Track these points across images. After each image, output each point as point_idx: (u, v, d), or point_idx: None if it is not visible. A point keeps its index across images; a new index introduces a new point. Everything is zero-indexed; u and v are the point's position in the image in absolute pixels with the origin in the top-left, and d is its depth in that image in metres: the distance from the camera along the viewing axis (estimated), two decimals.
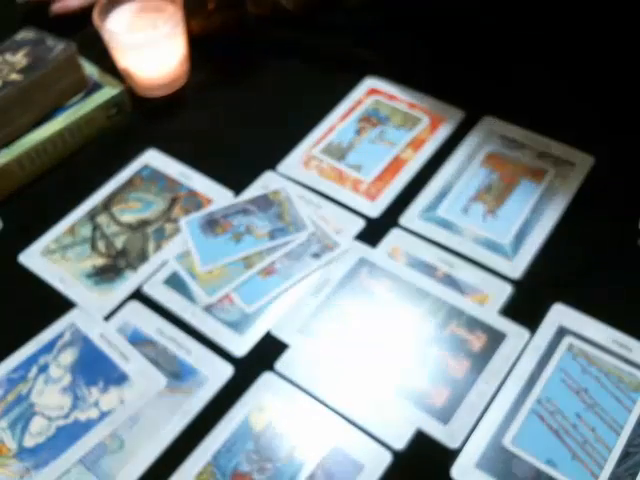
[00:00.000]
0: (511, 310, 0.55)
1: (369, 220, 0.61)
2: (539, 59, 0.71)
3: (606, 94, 0.68)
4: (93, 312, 0.57)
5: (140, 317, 0.56)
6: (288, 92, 0.73)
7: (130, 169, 0.67)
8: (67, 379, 0.53)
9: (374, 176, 0.65)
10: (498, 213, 0.61)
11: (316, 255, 0.59)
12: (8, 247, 0.62)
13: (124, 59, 0.70)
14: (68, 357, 0.54)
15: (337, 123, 0.69)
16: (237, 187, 0.64)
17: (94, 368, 0.53)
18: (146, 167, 0.67)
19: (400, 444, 0.49)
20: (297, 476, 0.47)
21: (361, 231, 0.61)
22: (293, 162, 0.66)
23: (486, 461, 0.48)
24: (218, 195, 0.64)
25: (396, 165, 0.65)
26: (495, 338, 0.53)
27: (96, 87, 0.70)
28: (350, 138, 0.68)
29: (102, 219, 0.63)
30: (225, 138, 0.70)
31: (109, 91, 0.70)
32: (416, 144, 0.67)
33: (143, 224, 0.62)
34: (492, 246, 0.59)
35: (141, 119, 0.72)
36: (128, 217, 0.63)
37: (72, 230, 0.62)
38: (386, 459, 0.48)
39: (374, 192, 0.63)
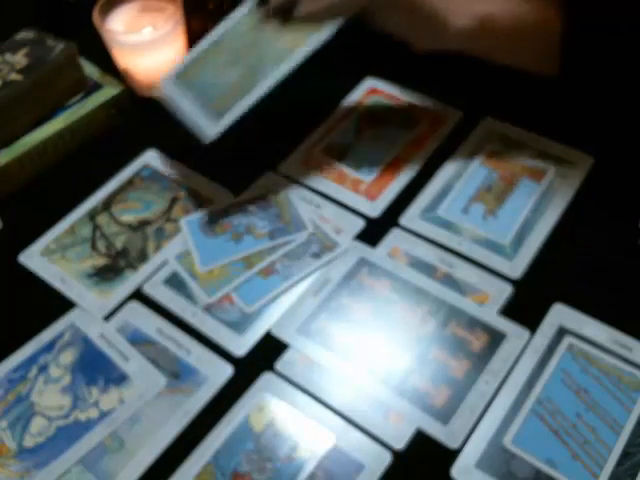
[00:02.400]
0: (511, 310, 0.55)
1: (369, 220, 0.61)
2: None
3: (606, 94, 0.68)
4: (93, 312, 0.57)
5: (140, 317, 0.56)
6: (288, 92, 0.73)
7: (130, 169, 0.67)
8: (67, 379, 0.53)
9: (374, 176, 0.65)
10: (498, 213, 0.61)
11: (316, 255, 0.59)
12: (8, 247, 0.62)
13: (124, 59, 0.70)
14: (68, 357, 0.54)
15: (337, 123, 0.69)
16: (237, 187, 0.65)
17: (94, 368, 0.53)
18: (146, 167, 0.67)
19: (400, 444, 0.49)
20: (297, 476, 0.47)
21: (361, 231, 0.61)
22: (293, 162, 0.66)
23: (486, 461, 0.48)
24: (218, 195, 0.64)
25: (396, 165, 0.65)
26: (495, 338, 0.53)
27: (96, 87, 0.70)
28: (350, 138, 0.68)
29: (102, 219, 0.63)
30: (225, 138, 0.69)
31: (109, 91, 0.70)
32: (416, 144, 0.67)
33: (143, 224, 0.62)
34: (492, 246, 0.59)
35: (141, 119, 0.72)
36: (128, 217, 0.63)
37: (72, 230, 0.62)
38: (386, 459, 0.48)
39: (374, 192, 0.63)
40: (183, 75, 0.62)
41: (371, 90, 0.72)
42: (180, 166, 0.67)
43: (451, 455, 0.48)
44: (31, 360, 0.54)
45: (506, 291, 0.56)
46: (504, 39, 0.60)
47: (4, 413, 0.52)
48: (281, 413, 0.50)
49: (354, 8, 0.60)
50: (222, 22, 0.64)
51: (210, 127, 0.60)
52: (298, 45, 0.62)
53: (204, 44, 0.63)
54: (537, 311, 0.55)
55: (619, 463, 0.47)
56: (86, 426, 0.51)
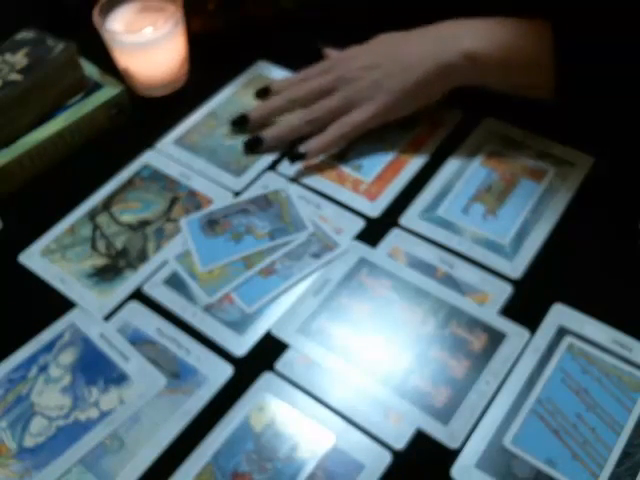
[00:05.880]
0: (511, 310, 0.55)
1: (369, 220, 0.61)
2: None
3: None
4: (93, 312, 0.57)
5: (140, 317, 0.56)
6: None
7: (130, 169, 0.67)
8: (67, 379, 0.53)
9: (374, 176, 0.65)
10: (498, 213, 0.61)
11: (316, 255, 0.59)
12: (8, 247, 0.62)
13: (124, 59, 0.70)
14: (68, 357, 0.54)
15: None
16: (237, 187, 0.64)
17: (94, 368, 0.53)
18: (146, 167, 0.67)
19: (400, 444, 0.49)
20: (297, 476, 0.47)
21: (361, 231, 0.61)
22: None
23: (486, 461, 0.48)
24: (218, 195, 0.64)
25: (396, 165, 0.65)
26: (495, 338, 0.53)
27: (96, 87, 0.70)
28: None
29: (102, 219, 0.63)
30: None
31: (109, 91, 0.70)
32: (416, 144, 0.67)
33: (143, 224, 0.62)
34: (492, 246, 0.59)
35: (141, 119, 0.72)
36: (128, 217, 0.63)
37: (72, 230, 0.62)
38: (386, 459, 0.48)
39: (374, 192, 0.63)
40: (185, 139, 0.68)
41: None
42: (180, 166, 0.67)
43: (451, 455, 0.48)
44: (31, 360, 0.54)
45: (506, 291, 0.56)
46: (494, 71, 0.62)
47: (4, 413, 0.52)
48: (281, 413, 0.50)
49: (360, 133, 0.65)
50: (212, 97, 0.72)
51: (234, 182, 0.64)
52: None
53: (199, 115, 0.71)
54: (537, 311, 0.55)
55: (619, 463, 0.47)
56: (86, 426, 0.50)
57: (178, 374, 0.53)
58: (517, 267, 0.57)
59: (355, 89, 0.64)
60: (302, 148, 0.64)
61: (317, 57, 0.75)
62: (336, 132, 0.64)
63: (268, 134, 0.66)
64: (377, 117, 0.64)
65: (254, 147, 0.67)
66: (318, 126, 0.65)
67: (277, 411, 0.51)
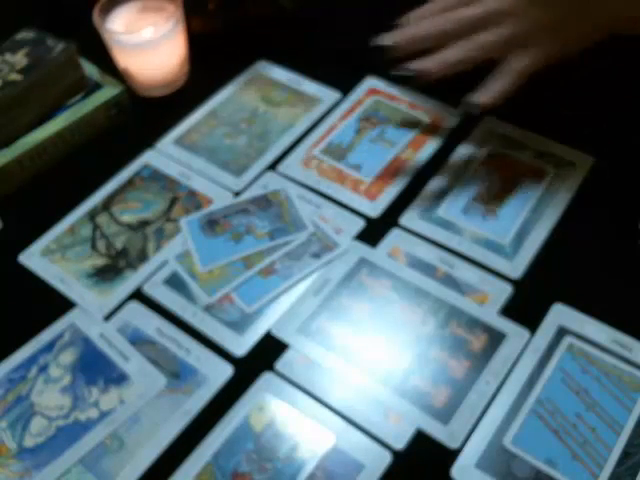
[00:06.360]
0: (511, 310, 0.55)
1: (369, 220, 0.61)
2: None
3: (606, 93, 0.68)
4: (93, 312, 0.57)
5: (140, 317, 0.56)
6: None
7: (130, 169, 0.67)
8: (67, 379, 0.53)
9: (374, 176, 0.65)
10: (498, 213, 0.61)
11: (316, 255, 0.59)
12: (8, 247, 0.62)
13: (124, 59, 0.70)
14: (68, 357, 0.54)
15: (337, 123, 0.69)
16: (237, 187, 0.64)
17: (94, 368, 0.53)
18: (146, 167, 0.67)
19: (400, 444, 0.49)
20: (297, 476, 0.47)
21: (361, 231, 0.61)
22: (293, 162, 0.66)
23: (486, 461, 0.48)
24: (218, 195, 0.64)
25: (396, 165, 0.65)
26: (495, 338, 0.53)
27: (96, 87, 0.70)
28: (350, 138, 0.68)
29: (102, 219, 0.63)
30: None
31: (109, 91, 0.70)
32: (416, 144, 0.67)
33: (143, 224, 0.62)
34: (492, 246, 0.59)
35: (141, 119, 0.72)
36: (128, 217, 0.63)
37: (72, 230, 0.62)
38: (386, 459, 0.48)
39: (374, 192, 0.63)
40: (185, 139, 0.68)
41: (371, 90, 0.72)
42: (180, 166, 0.67)
43: (451, 455, 0.48)
44: (31, 360, 0.54)
45: (506, 291, 0.56)
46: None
47: (4, 413, 0.52)
48: (281, 413, 0.50)
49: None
50: (212, 97, 0.72)
51: (234, 182, 0.64)
52: (297, 120, 0.69)
53: (199, 115, 0.70)
54: (537, 311, 0.55)
55: (619, 463, 0.47)
56: (86, 426, 0.51)
57: (178, 374, 0.53)
58: (517, 267, 0.57)
59: (521, 26, 0.56)
60: (474, 100, 0.57)
61: (317, 58, 0.75)
62: (509, 81, 0.56)
63: (424, 67, 0.57)
64: (546, 61, 0.57)
65: (406, 80, 0.58)
66: (471, 64, 0.57)
67: (277, 411, 0.51)
